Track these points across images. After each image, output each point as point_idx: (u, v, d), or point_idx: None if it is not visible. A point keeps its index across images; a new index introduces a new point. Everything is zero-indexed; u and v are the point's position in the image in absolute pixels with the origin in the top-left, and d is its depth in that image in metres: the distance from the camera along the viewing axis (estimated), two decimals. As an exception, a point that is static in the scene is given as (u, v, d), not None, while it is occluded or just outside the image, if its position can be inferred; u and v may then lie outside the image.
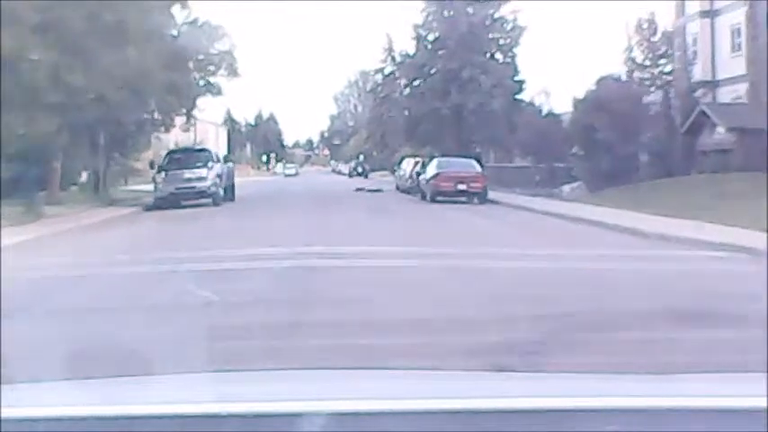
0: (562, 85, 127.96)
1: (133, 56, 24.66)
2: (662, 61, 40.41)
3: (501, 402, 1.67)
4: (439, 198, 30.21)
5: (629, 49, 41.70)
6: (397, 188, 43.32)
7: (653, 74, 41.89)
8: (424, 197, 32.18)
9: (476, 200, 30.10)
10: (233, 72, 37.01)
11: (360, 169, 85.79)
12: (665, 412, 1.60)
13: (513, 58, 57.10)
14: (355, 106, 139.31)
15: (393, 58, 60.82)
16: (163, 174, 28.52)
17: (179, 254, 13.59)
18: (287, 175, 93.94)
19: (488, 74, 55.63)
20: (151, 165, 31.21)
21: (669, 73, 40.92)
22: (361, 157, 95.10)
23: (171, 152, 30.80)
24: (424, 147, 54.85)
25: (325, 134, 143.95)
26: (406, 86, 58.59)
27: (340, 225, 20.32)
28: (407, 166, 41.34)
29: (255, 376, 2.51)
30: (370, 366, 5.16)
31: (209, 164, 28.74)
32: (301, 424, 1.55)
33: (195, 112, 40.10)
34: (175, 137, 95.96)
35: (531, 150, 47.50)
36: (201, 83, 37.16)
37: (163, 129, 39.30)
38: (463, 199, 29.80)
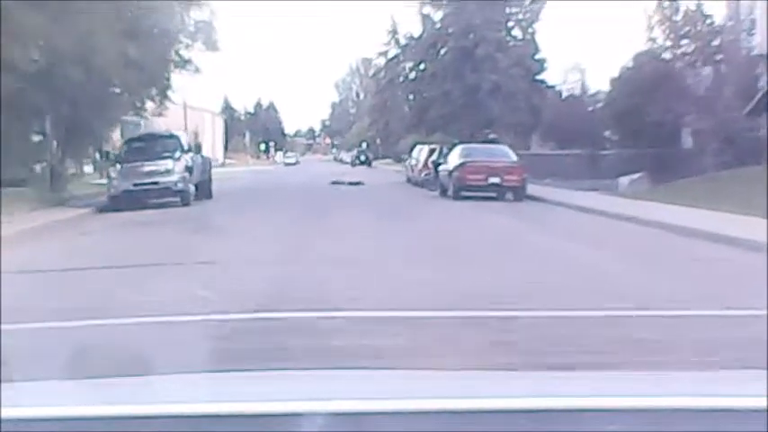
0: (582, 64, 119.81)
1: (79, 21, 21.42)
2: (684, 42, 37.23)
3: (501, 402, 1.65)
4: (464, 194, 25.43)
5: (651, 28, 38.48)
6: (408, 180, 38.79)
7: (696, 47, 37.46)
8: (444, 192, 27.32)
9: (511, 196, 25.31)
10: (212, 45, 31.96)
11: (362, 158, 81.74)
12: (665, 412, 1.58)
13: (532, 35, 52.42)
14: (357, 93, 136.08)
15: (397, 41, 56.83)
16: (118, 166, 21.61)
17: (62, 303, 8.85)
18: (287, 165, 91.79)
19: (506, 52, 50.94)
20: (102, 154, 24.26)
21: (711, 47, 36.42)
22: (364, 145, 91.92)
23: (130, 140, 24.32)
24: (433, 133, 50.41)
25: (327, 122, 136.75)
26: (411, 70, 54.67)
27: (338, 239, 15.12)
28: (421, 154, 36.47)
29: (255, 376, 2.48)
30: (371, 366, 4.90)
31: (177, 154, 25.04)
32: (301, 424, 1.53)
33: (172, 95, 35.00)
34: (166, 125, 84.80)
35: (557, 136, 39.70)
36: (177, 58, 31.97)
37: (132, 113, 34.88)
38: (492, 194, 25.22)
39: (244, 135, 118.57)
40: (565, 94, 45.91)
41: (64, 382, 2.56)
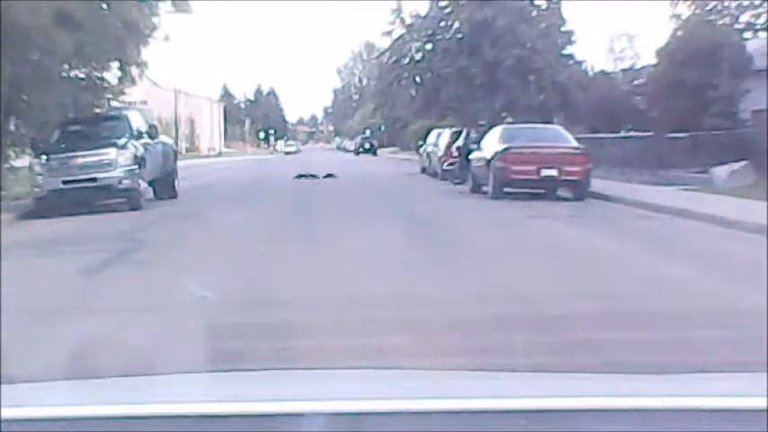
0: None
1: None
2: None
3: (501, 402, 1.66)
4: (507, 190, 19.46)
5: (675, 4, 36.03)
6: (424, 171, 33.37)
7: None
8: (476, 188, 21.50)
9: (569, 193, 19.32)
10: (181, 7, 26.50)
11: (367, 145, 76.39)
12: (665, 412, 1.59)
13: (558, 4, 46.58)
14: (360, 79, 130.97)
15: (402, 20, 50.90)
16: (43, 158, 18.79)
17: None
18: (287, 153, 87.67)
19: (529, 23, 44.78)
20: (34, 145, 17.65)
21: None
22: (368, 132, 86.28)
23: (64, 122, 16.66)
24: (444, 117, 45.11)
25: (329, 110, 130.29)
26: (417, 50, 49.03)
27: (336, 277, 9.24)
28: (441, 139, 30.47)
29: (255, 376, 2.42)
30: (371, 366, 4.33)
31: (123, 140, 19.16)
32: (302, 424, 1.53)
33: (150, 74, 30.41)
34: (158, 111, 77.95)
35: (589, 119, 37.63)
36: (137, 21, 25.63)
37: (89, 92, 26.64)
38: (541, 191, 19.33)
39: (243, 123, 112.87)
40: (613, 67, 39.29)
41: (64, 382, 2.57)
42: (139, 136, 19.31)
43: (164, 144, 21.47)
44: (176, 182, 21.51)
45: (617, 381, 2.17)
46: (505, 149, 19.01)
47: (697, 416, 1.55)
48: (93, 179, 17.85)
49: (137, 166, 18.30)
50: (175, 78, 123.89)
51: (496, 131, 20.76)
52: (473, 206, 18.28)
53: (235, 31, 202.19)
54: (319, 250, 11.25)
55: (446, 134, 29.23)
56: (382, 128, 79.54)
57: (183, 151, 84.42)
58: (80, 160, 17.95)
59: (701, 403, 1.62)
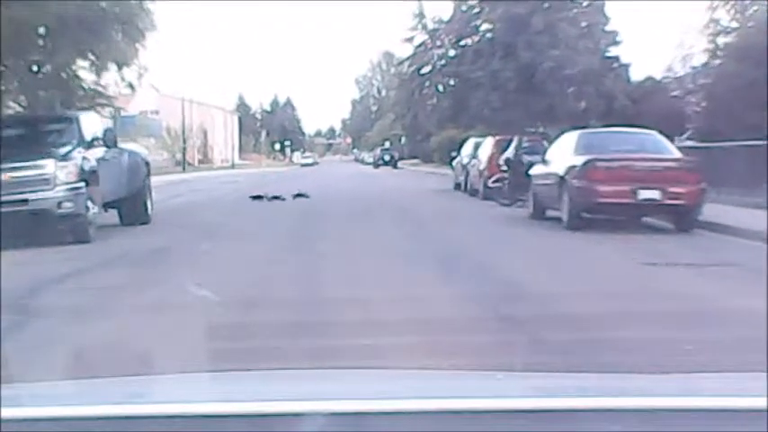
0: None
1: None
2: (750, 24, 30.14)
3: (501, 402, 1.67)
4: (586, 216, 14.29)
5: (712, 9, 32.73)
6: (458, 187, 28.61)
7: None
8: (540, 213, 16.42)
9: (670, 222, 14.40)
10: None
11: (387, 157, 70.85)
12: (665, 412, 1.60)
13: (601, 1, 41.84)
14: (379, 90, 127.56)
15: (424, 26, 47.79)
16: None
17: None
18: (304, 165, 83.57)
19: (569, 21, 40.43)
20: None
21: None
22: (387, 143, 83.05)
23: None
24: (473, 127, 40.07)
25: (347, 121, 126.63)
26: (440, 58, 45.34)
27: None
28: (482, 150, 25.36)
29: (255, 376, 2.40)
30: (371, 366, 4.24)
31: (65, 150, 13.99)
32: (302, 424, 1.53)
33: (143, 77, 26.73)
34: (168, 122, 74.02)
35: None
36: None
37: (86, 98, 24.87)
38: (631, 216, 14.45)
39: (259, 134, 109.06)
40: (682, 66, 35.04)
41: (64, 382, 2.70)
42: (91, 144, 14.16)
43: (131, 154, 16.41)
44: (149, 203, 16.51)
45: (617, 381, 2.13)
46: (588, 163, 13.95)
47: (697, 416, 1.56)
48: (24, 201, 12.75)
49: (83, 184, 13.34)
50: (190, 88, 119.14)
51: (571, 139, 15.57)
52: (548, 242, 13.36)
53: (252, 40, 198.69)
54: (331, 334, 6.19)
55: (489, 144, 24.35)
56: (403, 139, 77.23)
57: (196, 162, 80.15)
58: (8, 175, 12.86)
59: (701, 403, 1.64)
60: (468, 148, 28.23)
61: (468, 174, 26.56)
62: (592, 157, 14.15)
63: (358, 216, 18.74)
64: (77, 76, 25.91)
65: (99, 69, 25.79)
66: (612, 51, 40.95)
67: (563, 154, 15.49)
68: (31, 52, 22.00)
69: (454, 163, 30.47)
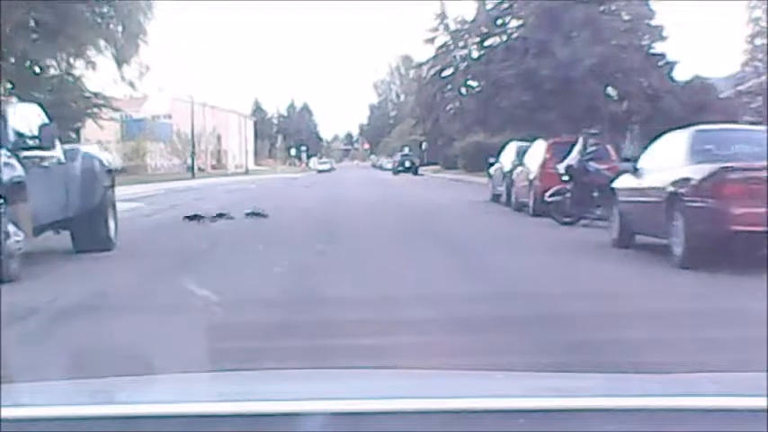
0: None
1: None
2: None
3: (501, 402, 1.67)
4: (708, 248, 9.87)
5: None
6: (497, 199, 24.27)
7: None
8: (626, 239, 12.06)
9: None
10: None
11: (407, 164, 67.00)
12: (665, 412, 1.59)
13: None
14: (397, 95, 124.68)
15: (446, 27, 43.27)
16: None
17: None
18: (320, 172, 79.90)
19: (612, 14, 36.30)
20: None
21: None
22: (406, 149, 77.93)
23: None
24: (503, 130, 36.93)
25: (365, 127, 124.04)
26: (463, 60, 41.01)
27: None
28: (531, 156, 20.89)
29: (255, 376, 2.40)
30: (371, 366, 4.35)
31: None
32: (301, 424, 1.52)
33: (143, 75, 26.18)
34: (178, 125, 70.02)
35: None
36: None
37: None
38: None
39: (275, 139, 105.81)
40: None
41: (64, 382, 2.61)
42: (19, 145, 10.11)
43: (85, 159, 12.24)
44: (111, 224, 12.46)
45: (617, 381, 2.08)
46: (716, 174, 9.56)
47: (697, 416, 1.55)
48: None
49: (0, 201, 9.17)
50: (205, 92, 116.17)
51: (681, 139, 11.38)
52: (662, 287, 9.09)
53: (269, 44, 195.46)
54: None
55: (540, 148, 20.35)
56: (423, 145, 74.47)
57: (209, 168, 76.54)
58: None
59: (701, 403, 1.65)
60: (509, 154, 24.30)
61: (511, 184, 22.30)
62: (721, 167, 9.92)
63: (382, 240, 14.32)
64: (72, 75, 25.00)
65: (95, 66, 24.83)
66: (657, 48, 37.01)
67: (668, 161, 11.30)
68: (25, 47, 21.36)
69: (492, 171, 26.34)
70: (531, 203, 19.41)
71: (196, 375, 2.67)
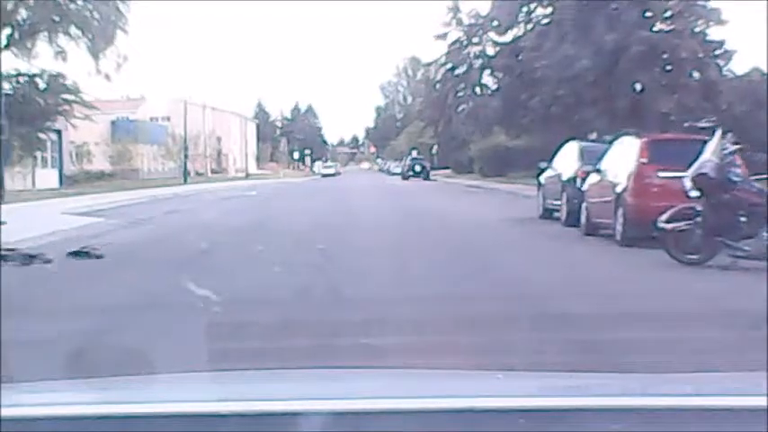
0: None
1: None
2: None
3: (501, 402, 1.66)
4: None
5: None
6: (548, 215, 18.90)
7: None
8: None
9: None
10: None
11: (417, 168, 61.93)
12: (666, 412, 1.59)
13: None
14: (404, 97, 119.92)
15: (459, 21, 39.44)
16: None
17: None
18: (325, 176, 75.98)
19: None
20: None
21: None
22: (416, 152, 72.31)
23: None
24: (531, 130, 33.41)
25: (371, 130, 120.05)
26: (477, 57, 37.36)
27: None
28: (614, 161, 14.45)
29: (255, 376, 2.35)
30: (371, 366, 4.22)
31: None
32: (301, 424, 1.51)
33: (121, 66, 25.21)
34: (174, 128, 65.15)
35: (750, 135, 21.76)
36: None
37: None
38: None
39: (278, 142, 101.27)
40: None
41: (64, 382, 2.58)
42: None
43: None
44: None
45: (617, 380, 2.06)
46: None
47: (697, 416, 1.55)
48: None
49: None
50: (206, 94, 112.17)
51: None
52: None
53: (273, 45, 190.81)
54: None
55: (632, 149, 14.34)
56: (434, 148, 70.59)
57: (209, 172, 71.43)
58: None
59: (701, 403, 1.65)
60: (570, 157, 18.88)
61: (576, 197, 16.59)
62: None
63: (412, 311, 8.29)
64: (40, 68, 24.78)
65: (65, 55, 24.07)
66: (713, 35, 31.74)
67: None
68: None
69: (542, 179, 20.51)
70: (618, 228, 13.77)
71: (196, 375, 2.61)
